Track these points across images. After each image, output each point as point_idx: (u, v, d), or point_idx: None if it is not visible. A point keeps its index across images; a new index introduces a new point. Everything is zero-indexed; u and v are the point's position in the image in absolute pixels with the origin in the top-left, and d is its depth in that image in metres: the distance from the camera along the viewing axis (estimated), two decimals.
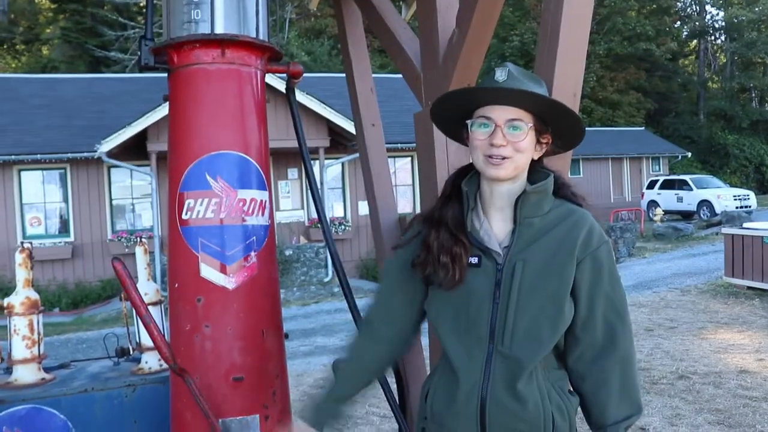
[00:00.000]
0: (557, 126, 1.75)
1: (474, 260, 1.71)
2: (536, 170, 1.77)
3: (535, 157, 1.75)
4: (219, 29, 2.25)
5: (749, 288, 10.72)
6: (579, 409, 1.75)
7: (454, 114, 1.80)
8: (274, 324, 2.36)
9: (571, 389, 1.77)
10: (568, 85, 2.13)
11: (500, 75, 1.68)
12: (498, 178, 1.69)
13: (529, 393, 1.64)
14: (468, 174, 1.81)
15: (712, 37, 46.44)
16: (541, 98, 1.67)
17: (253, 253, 2.28)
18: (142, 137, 14.54)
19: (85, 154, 15.15)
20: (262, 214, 2.32)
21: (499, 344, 1.66)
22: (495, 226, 1.75)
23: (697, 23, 45.45)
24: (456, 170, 1.87)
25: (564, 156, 2.10)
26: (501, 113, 1.67)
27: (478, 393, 1.66)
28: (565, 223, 1.71)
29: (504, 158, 1.66)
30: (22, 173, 15.73)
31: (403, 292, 1.87)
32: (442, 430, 1.74)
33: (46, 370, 2.93)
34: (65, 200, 16.06)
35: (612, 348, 1.69)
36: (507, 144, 1.66)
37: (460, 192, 1.80)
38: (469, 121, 1.73)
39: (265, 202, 2.34)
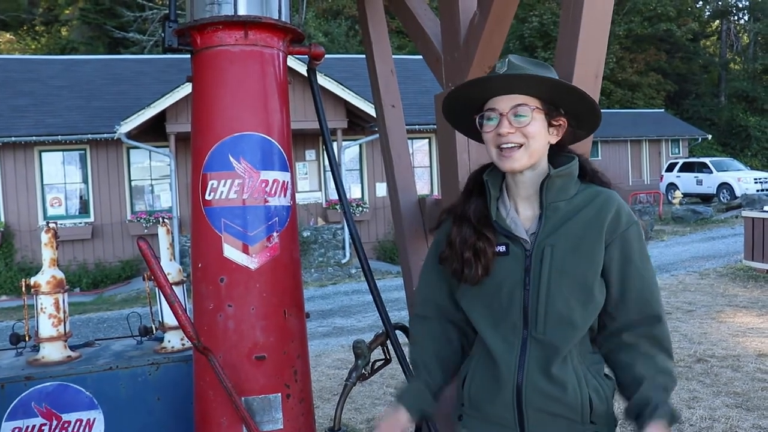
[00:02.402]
0: (568, 106, 1.74)
1: (501, 248, 1.72)
2: (559, 155, 1.76)
3: (552, 141, 1.74)
4: (242, 11, 2.26)
5: None
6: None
7: (467, 114, 1.80)
8: (296, 304, 2.39)
9: (607, 373, 1.77)
10: (589, 67, 2.13)
11: (500, 67, 1.69)
12: (513, 170, 1.69)
13: (566, 376, 1.65)
14: (490, 167, 1.81)
15: (735, 17, 45.55)
16: (538, 78, 1.66)
17: (275, 234, 2.30)
18: (160, 118, 14.62)
19: (105, 135, 15.28)
20: (284, 195, 2.34)
21: (533, 330, 1.66)
22: (522, 213, 1.75)
23: (719, 3, 44.59)
24: (478, 168, 1.88)
25: (584, 140, 2.10)
26: (505, 102, 1.68)
27: (514, 378, 1.67)
28: (592, 205, 1.70)
29: (515, 147, 1.67)
30: (43, 154, 15.90)
31: (446, 286, 1.88)
32: (480, 416, 1.76)
33: (72, 348, 2.99)
34: (85, 181, 16.22)
35: (646, 325, 1.69)
36: (515, 131, 1.67)
37: (482, 185, 1.81)
38: (477, 116, 1.75)
39: (288, 183, 2.36)
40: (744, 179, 23.55)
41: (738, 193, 22.84)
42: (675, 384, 1.68)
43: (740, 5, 44.83)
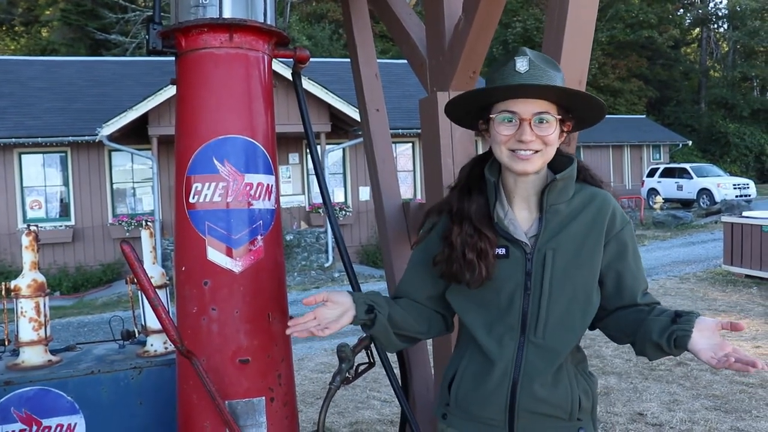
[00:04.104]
0: (580, 112, 1.70)
1: (501, 251, 1.67)
2: (555, 155, 1.71)
3: (557, 145, 1.69)
4: (227, 13, 2.25)
5: (747, 276, 10.76)
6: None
7: (472, 108, 1.73)
8: (280, 307, 2.38)
9: (590, 370, 1.80)
10: (573, 73, 2.15)
11: (521, 65, 1.60)
12: (526, 172, 1.64)
13: (560, 380, 1.66)
14: (483, 163, 1.77)
15: (715, 26, 46.20)
16: (571, 92, 1.62)
17: (259, 237, 2.29)
18: (143, 121, 14.51)
19: (86, 138, 15.13)
20: (269, 199, 2.34)
21: (531, 334, 1.65)
22: (519, 215, 1.71)
23: (699, 11, 45.20)
24: (471, 160, 1.83)
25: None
26: (527, 106, 1.60)
27: (509, 381, 1.66)
28: (590, 207, 1.69)
29: (533, 152, 1.61)
30: (23, 156, 15.72)
31: (427, 286, 1.84)
32: (467, 416, 1.74)
33: (53, 352, 2.95)
34: (66, 184, 16.06)
35: (641, 300, 1.70)
36: (536, 138, 1.60)
37: (480, 182, 1.75)
38: (492, 116, 1.66)
39: (272, 186, 2.35)
40: (723, 185, 23.84)
41: (717, 198, 23.11)
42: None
43: (720, 14, 45.47)
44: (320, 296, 1.72)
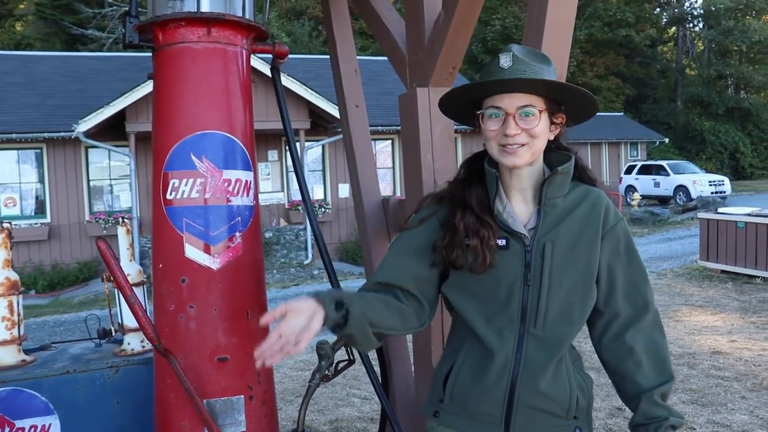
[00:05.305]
0: (570, 105, 1.71)
1: (502, 242, 1.68)
2: (554, 150, 1.73)
3: (551, 138, 1.70)
4: (205, 7, 2.22)
5: (723, 272, 10.89)
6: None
7: (463, 104, 1.75)
8: (259, 305, 2.36)
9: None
10: None
11: (504, 61, 1.62)
12: (515, 166, 1.65)
13: (559, 373, 1.67)
14: (482, 157, 1.77)
15: (691, 25, 46.79)
16: (549, 83, 1.62)
17: (237, 234, 2.27)
18: (120, 117, 14.36)
19: (62, 134, 14.93)
20: (247, 195, 2.32)
21: (531, 326, 1.65)
22: (516, 208, 1.72)
23: (675, 10, 45.75)
24: (470, 155, 1.84)
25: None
26: (511, 101, 1.62)
27: (509, 374, 1.65)
28: (585, 203, 1.71)
29: (520, 145, 1.62)
30: None
31: (412, 268, 1.77)
32: (463, 412, 1.72)
33: (27, 351, 2.90)
34: (41, 181, 15.84)
35: (635, 320, 1.71)
36: (521, 132, 1.62)
37: (480, 175, 1.76)
38: (479, 112, 1.69)
39: (250, 182, 2.33)
40: (699, 182, 24.13)
41: (693, 195, 23.39)
42: (672, 382, 1.71)
43: (695, 13, 46.04)
44: (277, 311, 1.53)
